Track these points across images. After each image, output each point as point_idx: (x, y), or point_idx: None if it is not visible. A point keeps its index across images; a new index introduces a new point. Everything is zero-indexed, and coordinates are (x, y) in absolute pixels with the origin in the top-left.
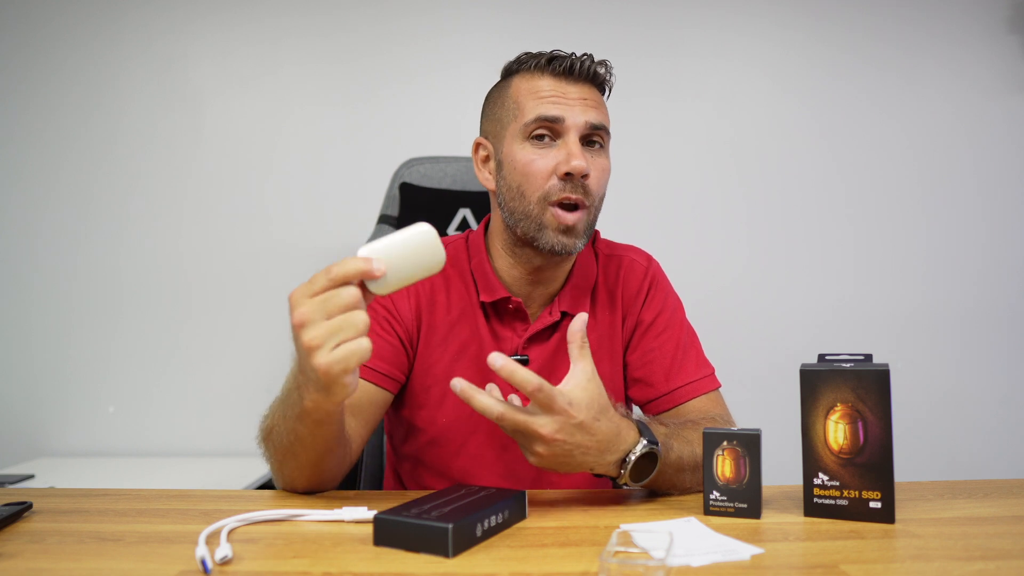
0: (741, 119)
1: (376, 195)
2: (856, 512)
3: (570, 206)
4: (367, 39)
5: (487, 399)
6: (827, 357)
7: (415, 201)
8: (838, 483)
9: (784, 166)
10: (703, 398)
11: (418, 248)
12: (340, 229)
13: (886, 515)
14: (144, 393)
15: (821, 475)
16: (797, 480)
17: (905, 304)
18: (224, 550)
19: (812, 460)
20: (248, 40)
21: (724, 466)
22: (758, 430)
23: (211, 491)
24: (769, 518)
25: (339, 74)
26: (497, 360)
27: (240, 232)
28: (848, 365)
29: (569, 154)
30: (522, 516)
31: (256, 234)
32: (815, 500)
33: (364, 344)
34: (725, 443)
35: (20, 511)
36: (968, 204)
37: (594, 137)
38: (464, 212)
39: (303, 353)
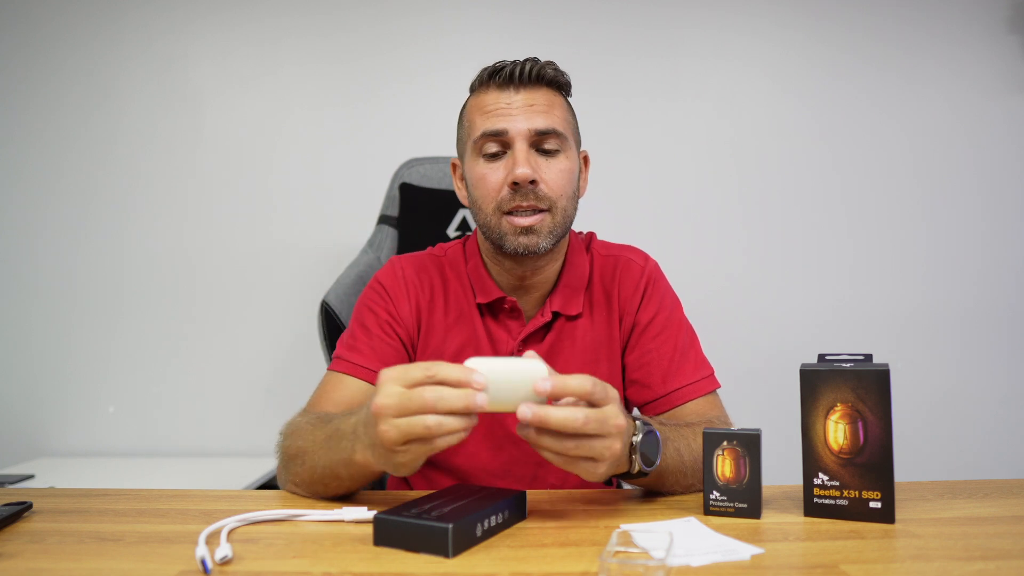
0: (741, 119)
1: (376, 195)
2: (856, 512)
3: (524, 212)
4: (367, 39)
5: (563, 412)
6: (827, 357)
7: (415, 201)
8: (838, 483)
9: (784, 166)
10: (701, 400)
11: (522, 384)
12: (340, 229)
13: (886, 515)
14: (144, 393)
15: (821, 475)
16: (797, 480)
17: (905, 304)
18: (224, 550)
19: (812, 460)
20: (248, 40)
21: (724, 466)
22: (758, 430)
23: (211, 491)
24: (769, 518)
25: (339, 74)
26: (546, 385)
27: (240, 232)
28: (848, 365)
29: (515, 163)
30: (522, 516)
31: (256, 234)
32: (815, 500)
33: (437, 444)
34: (725, 443)
35: (20, 511)
36: (968, 204)
37: (545, 143)
38: (464, 213)
39: (379, 442)
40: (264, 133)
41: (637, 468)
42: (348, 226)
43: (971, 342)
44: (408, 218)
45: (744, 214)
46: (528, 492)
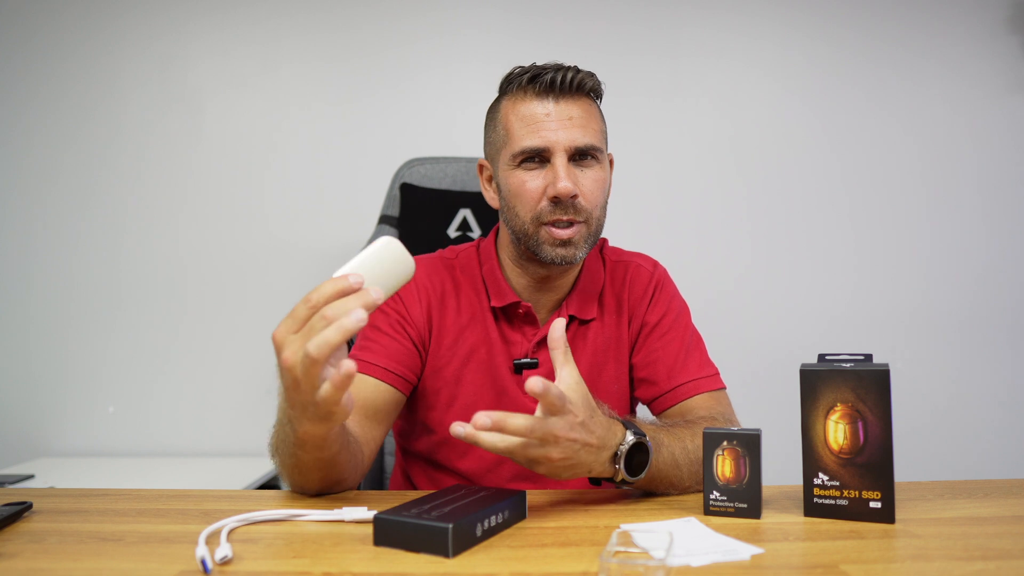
0: (741, 119)
1: (376, 195)
2: (856, 512)
3: (563, 225)
4: (367, 39)
5: (491, 437)
6: (827, 357)
7: (415, 201)
8: (838, 483)
9: (785, 166)
10: (706, 396)
11: (387, 260)
12: (340, 229)
13: (886, 515)
14: (144, 393)
15: (821, 475)
16: (797, 480)
17: (906, 304)
18: (224, 550)
19: (812, 460)
20: (248, 40)
21: (724, 466)
22: (758, 430)
23: (211, 491)
24: (769, 518)
25: (339, 74)
26: (487, 421)
27: (240, 232)
28: (848, 365)
29: (556, 177)
30: (522, 516)
31: (256, 234)
32: (815, 500)
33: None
34: (725, 443)
35: (20, 511)
36: (969, 204)
37: (584, 153)
38: (464, 212)
39: (299, 393)
40: (264, 133)
41: (620, 477)
42: (348, 226)
43: (972, 342)
44: (409, 218)
45: (745, 214)
46: (528, 492)
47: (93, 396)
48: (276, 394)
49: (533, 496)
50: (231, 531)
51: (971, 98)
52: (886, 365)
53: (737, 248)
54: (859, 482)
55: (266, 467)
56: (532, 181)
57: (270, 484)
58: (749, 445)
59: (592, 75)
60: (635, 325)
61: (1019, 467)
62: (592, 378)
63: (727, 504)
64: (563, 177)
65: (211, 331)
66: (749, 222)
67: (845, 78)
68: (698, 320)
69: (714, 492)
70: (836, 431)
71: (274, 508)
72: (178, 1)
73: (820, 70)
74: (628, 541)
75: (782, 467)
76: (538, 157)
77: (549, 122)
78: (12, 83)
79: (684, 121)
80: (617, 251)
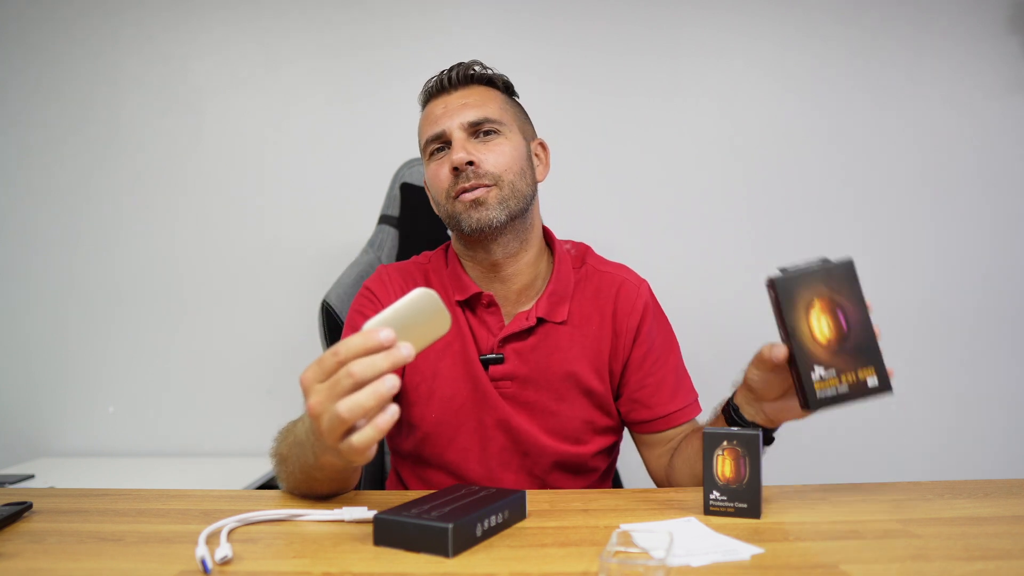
0: (741, 119)
1: (376, 195)
2: (857, 393)
3: (468, 191)
4: (368, 39)
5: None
6: (786, 268)
7: (415, 201)
8: (835, 370)
9: (786, 166)
10: (689, 423)
11: (421, 313)
12: (340, 229)
13: (884, 387)
14: (144, 393)
15: (818, 368)
16: (797, 480)
17: (907, 304)
18: (224, 550)
19: (806, 358)
20: (248, 38)
21: (724, 466)
22: (758, 430)
23: (211, 491)
24: (769, 518)
25: (339, 73)
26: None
27: (239, 232)
28: (815, 266)
29: (453, 151)
30: (522, 516)
31: (255, 234)
32: (819, 394)
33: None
34: (725, 443)
35: (20, 511)
36: (970, 205)
37: (481, 129)
38: None
39: (322, 438)
40: (264, 132)
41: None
42: (348, 226)
43: (973, 342)
44: (409, 218)
45: (745, 214)
46: (528, 492)
47: (93, 396)
48: (276, 394)
49: (533, 496)
50: (231, 531)
51: (971, 98)
52: (848, 257)
53: (738, 248)
54: (853, 363)
55: (266, 467)
56: (440, 167)
57: (270, 484)
58: (749, 445)
59: (478, 63)
60: (624, 342)
61: (1019, 467)
62: (562, 377)
63: (727, 504)
64: (457, 149)
65: (211, 331)
66: (750, 222)
67: (845, 78)
68: (698, 320)
69: (714, 492)
70: (820, 324)
71: (274, 508)
72: (178, 1)
73: (820, 70)
74: (628, 541)
75: (782, 467)
76: (442, 145)
77: (446, 112)
78: (12, 83)
79: (684, 121)
80: (603, 261)
